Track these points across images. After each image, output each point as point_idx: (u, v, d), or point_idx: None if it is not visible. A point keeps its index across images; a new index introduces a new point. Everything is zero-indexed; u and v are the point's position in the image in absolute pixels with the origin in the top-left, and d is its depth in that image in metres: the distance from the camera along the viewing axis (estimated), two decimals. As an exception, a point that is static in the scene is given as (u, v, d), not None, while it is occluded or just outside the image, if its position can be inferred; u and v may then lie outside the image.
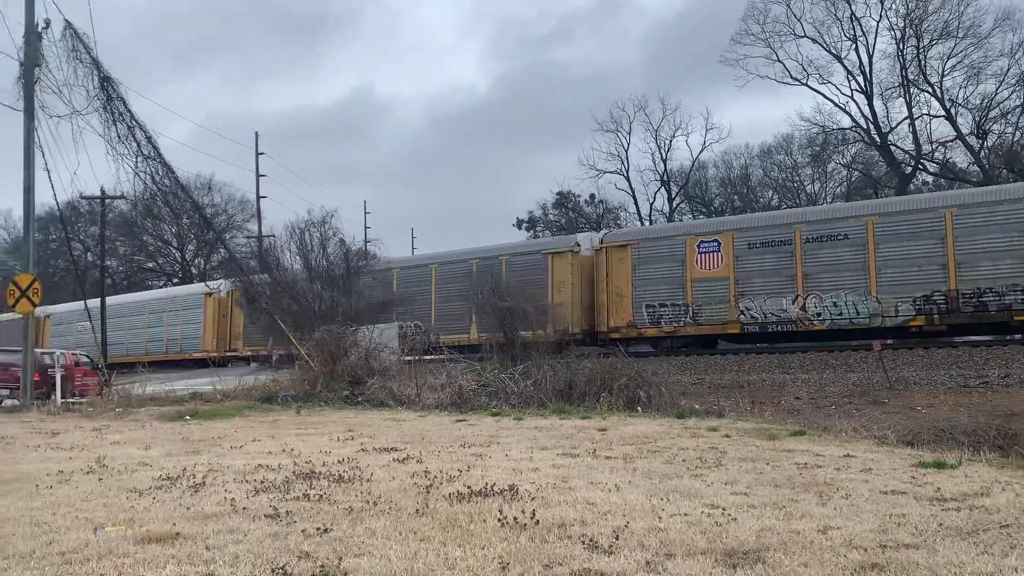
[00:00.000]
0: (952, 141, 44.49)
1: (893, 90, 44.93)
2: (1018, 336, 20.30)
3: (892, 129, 45.71)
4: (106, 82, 19.46)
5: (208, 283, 37.99)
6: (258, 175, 47.33)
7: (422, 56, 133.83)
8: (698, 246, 23.75)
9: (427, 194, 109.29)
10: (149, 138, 20.16)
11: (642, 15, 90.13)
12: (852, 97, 46.04)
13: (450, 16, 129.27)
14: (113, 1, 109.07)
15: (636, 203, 56.50)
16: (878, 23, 44.27)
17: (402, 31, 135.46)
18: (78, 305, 35.37)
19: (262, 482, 6.74)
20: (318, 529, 5.00)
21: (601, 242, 26.07)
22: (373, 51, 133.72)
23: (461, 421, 12.32)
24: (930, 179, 47.61)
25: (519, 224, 61.36)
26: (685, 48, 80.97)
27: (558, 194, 60.12)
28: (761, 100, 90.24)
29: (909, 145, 45.58)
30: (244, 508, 5.69)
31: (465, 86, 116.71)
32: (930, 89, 43.74)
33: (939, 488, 6.22)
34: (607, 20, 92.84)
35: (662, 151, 55.08)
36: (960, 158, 45.98)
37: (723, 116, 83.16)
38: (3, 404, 19.00)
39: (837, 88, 46.59)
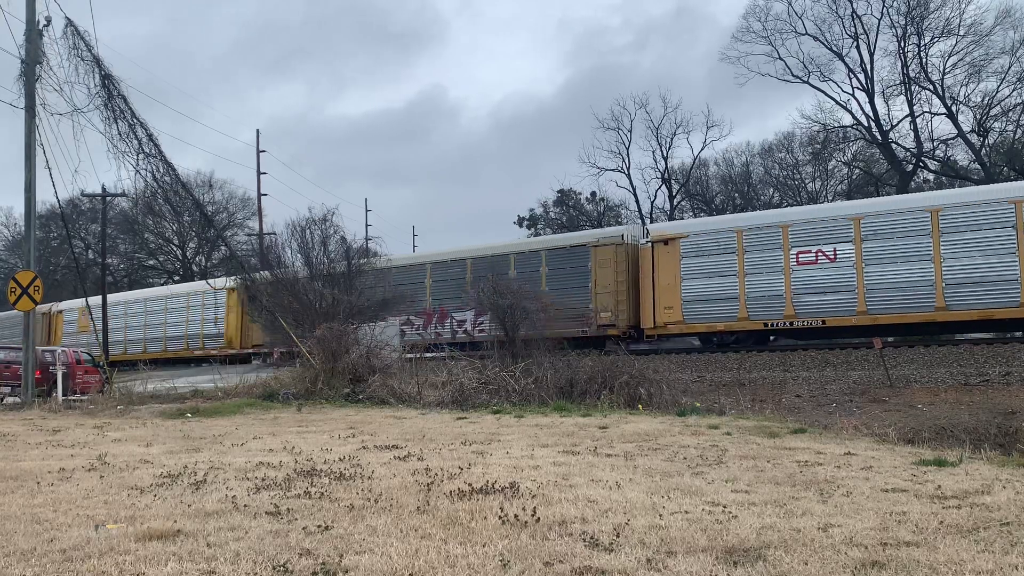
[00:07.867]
0: (953, 139, 44.46)
1: (894, 88, 44.84)
2: (1019, 334, 20.42)
3: (893, 127, 45.65)
4: (107, 80, 19.48)
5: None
6: (259, 173, 47.49)
7: (501, 65, 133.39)
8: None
9: (471, 195, 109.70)
10: (150, 135, 20.18)
11: (713, 23, 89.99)
12: (853, 95, 45.94)
13: (537, 25, 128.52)
14: (220, 10, 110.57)
15: (637, 201, 56.48)
16: (879, 21, 44.13)
17: (486, 41, 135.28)
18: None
19: (263, 480, 6.74)
20: (319, 527, 5.00)
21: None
22: (454, 60, 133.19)
23: (462, 419, 12.31)
24: (931, 177, 47.56)
25: (520, 222, 61.31)
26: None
27: (559, 192, 60.05)
28: (767, 97, 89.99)
29: (910, 143, 45.53)
30: (245, 506, 5.69)
31: (532, 92, 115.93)
32: (931, 87, 43.66)
33: (940, 486, 6.22)
34: (680, 27, 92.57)
35: (663, 148, 55.11)
36: (961, 156, 45.96)
37: (767, 121, 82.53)
38: (5, 401, 19.02)
39: (838, 86, 46.58)
